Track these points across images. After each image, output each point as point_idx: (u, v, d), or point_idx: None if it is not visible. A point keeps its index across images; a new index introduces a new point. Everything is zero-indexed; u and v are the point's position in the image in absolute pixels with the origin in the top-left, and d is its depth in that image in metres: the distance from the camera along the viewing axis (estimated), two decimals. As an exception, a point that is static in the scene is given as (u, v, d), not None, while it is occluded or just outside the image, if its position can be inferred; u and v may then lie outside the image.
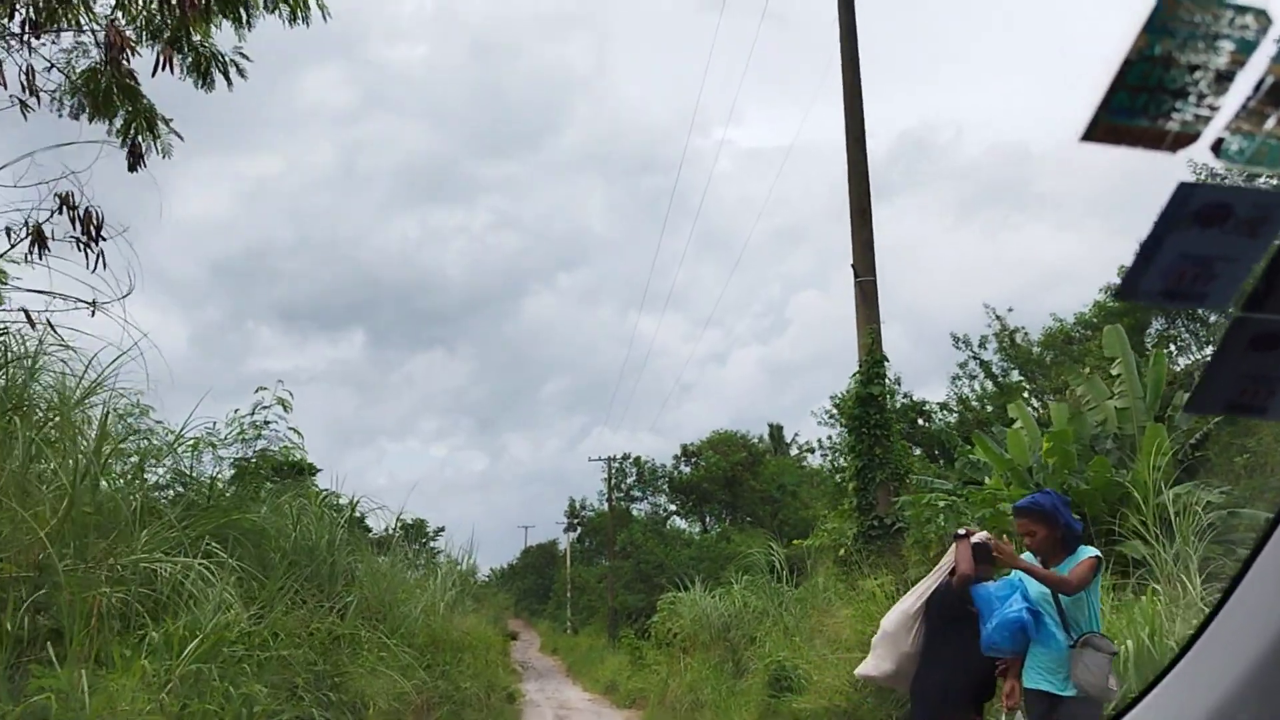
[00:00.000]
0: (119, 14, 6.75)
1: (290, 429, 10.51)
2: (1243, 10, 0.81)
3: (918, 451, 23.36)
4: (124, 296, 6.52)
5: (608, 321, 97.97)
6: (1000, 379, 29.40)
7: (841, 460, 34.47)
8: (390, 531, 14.75)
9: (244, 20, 7.11)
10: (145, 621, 5.75)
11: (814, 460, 42.00)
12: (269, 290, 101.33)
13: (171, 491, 9.35)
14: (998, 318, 29.52)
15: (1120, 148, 0.85)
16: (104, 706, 4.19)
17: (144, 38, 6.90)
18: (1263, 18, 0.82)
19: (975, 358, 30.23)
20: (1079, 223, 60.82)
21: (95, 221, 6.22)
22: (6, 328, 6.87)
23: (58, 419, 7.24)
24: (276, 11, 7.09)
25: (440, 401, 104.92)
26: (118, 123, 7.14)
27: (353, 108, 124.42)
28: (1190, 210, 0.89)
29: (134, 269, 6.41)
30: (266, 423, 10.26)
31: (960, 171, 74.64)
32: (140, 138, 7.13)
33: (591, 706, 21.60)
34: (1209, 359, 0.97)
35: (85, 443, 6.96)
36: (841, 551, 13.30)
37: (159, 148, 7.33)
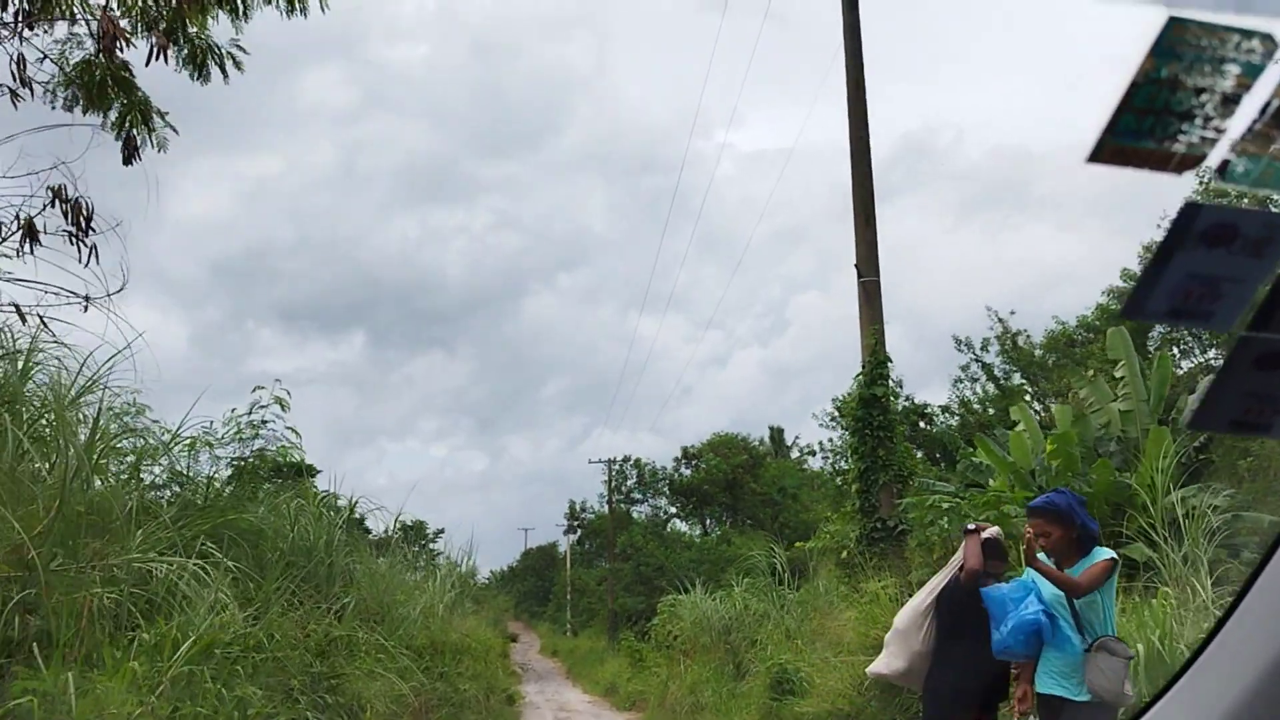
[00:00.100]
0: (113, 3, 6.65)
1: (288, 428, 10.42)
2: (1249, 34, 0.82)
3: (919, 455, 23.26)
4: (117, 291, 6.42)
5: (608, 322, 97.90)
6: (1002, 382, 29.33)
7: (843, 463, 34.49)
8: (389, 533, 14.67)
9: (240, 12, 7.03)
10: (138, 622, 5.65)
11: (815, 463, 41.99)
12: (269, 290, 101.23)
13: (168, 491, 9.26)
14: (999, 320, 29.47)
15: (1127, 169, 0.86)
16: (91, 709, 4.08)
17: (139, 29, 6.80)
18: (1269, 41, 0.82)
19: (977, 360, 30.17)
20: (1080, 224, 60.72)
21: (85, 212, 6.11)
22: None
23: (52, 417, 7.15)
24: (273, 2, 7.01)
25: (440, 402, 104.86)
26: (112, 116, 7.06)
27: (353, 108, 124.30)
28: (1196, 230, 0.89)
29: (126, 264, 6.31)
30: (264, 422, 10.17)
31: (961, 173, 74.49)
32: (135, 131, 7.03)
33: (591, 709, 21.50)
34: (1213, 377, 0.97)
35: (78, 441, 6.87)
36: (844, 554, 13.20)
37: (154, 141, 7.23)
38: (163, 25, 6.63)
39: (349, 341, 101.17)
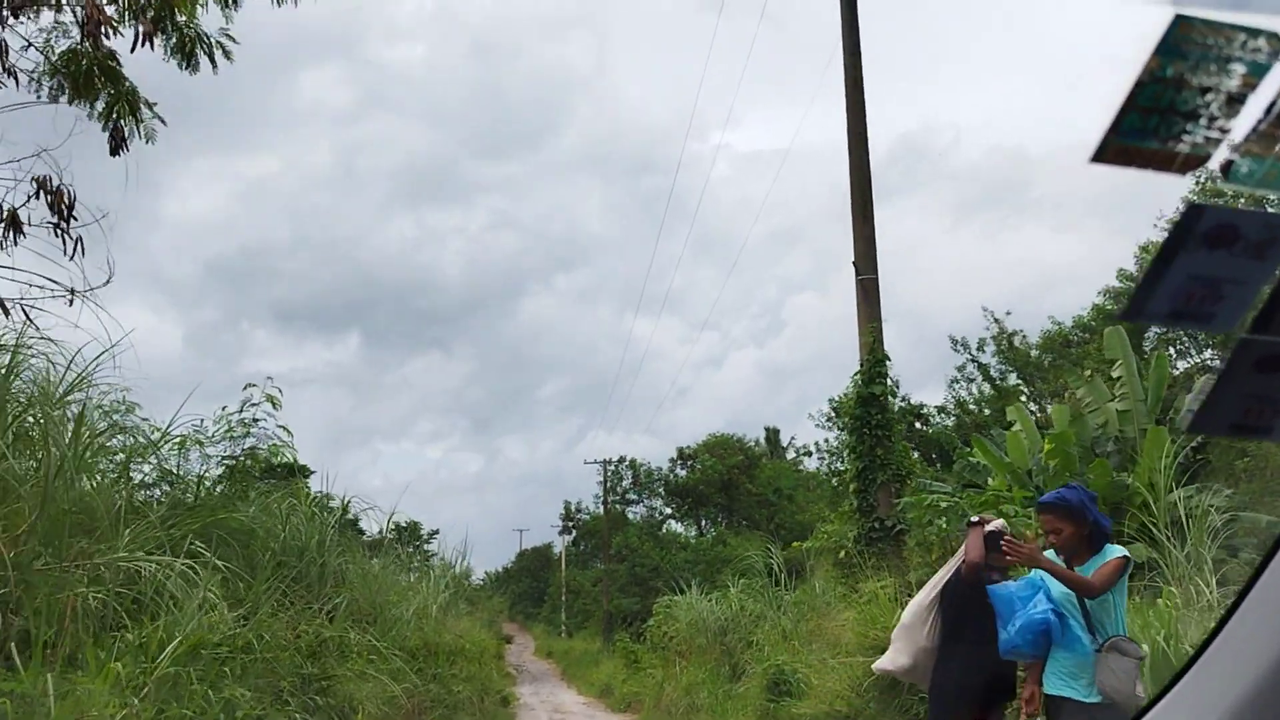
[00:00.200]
0: (100, -11, 6.51)
1: (280, 427, 10.31)
2: (1255, 33, 0.81)
3: (915, 455, 23.20)
4: (102, 285, 6.28)
5: (605, 323, 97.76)
6: (998, 382, 29.29)
7: (839, 463, 34.49)
8: (383, 534, 14.53)
9: (230, 0, 6.89)
10: (125, 623, 5.53)
11: (811, 464, 41.95)
12: (265, 290, 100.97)
13: (158, 490, 9.15)
14: (996, 320, 29.45)
15: (1131, 169, 0.86)
16: (71, 711, 3.96)
17: (126, 17, 6.67)
18: (1274, 41, 0.82)
19: (973, 360, 30.14)
20: (1077, 225, 60.73)
21: (67, 200, 5.97)
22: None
23: (39, 415, 7.02)
24: (264, -10, 6.88)
25: (436, 402, 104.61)
26: (100, 106, 6.92)
27: (351, 108, 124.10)
28: (1199, 231, 0.89)
29: (112, 257, 6.17)
30: (255, 420, 10.06)
31: (959, 173, 74.52)
32: (123, 121, 6.90)
33: (586, 710, 21.37)
34: (1214, 379, 0.97)
35: (64, 438, 6.74)
36: (842, 554, 13.09)
37: (142, 132, 7.10)
38: (150, 13, 6.51)
39: (345, 342, 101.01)
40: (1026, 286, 53.54)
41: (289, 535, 9.39)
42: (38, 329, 6.48)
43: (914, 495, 12.24)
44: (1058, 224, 62.08)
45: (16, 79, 6.49)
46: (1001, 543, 4.74)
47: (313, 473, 14.64)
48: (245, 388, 10.11)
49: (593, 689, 25.88)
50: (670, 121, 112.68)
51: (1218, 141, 0.84)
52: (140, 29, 6.32)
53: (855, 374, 13.65)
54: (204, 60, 7.08)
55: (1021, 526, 8.32)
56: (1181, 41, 0.81)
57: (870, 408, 13.29)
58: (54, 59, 6.76)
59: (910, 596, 9.68)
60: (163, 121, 7.11)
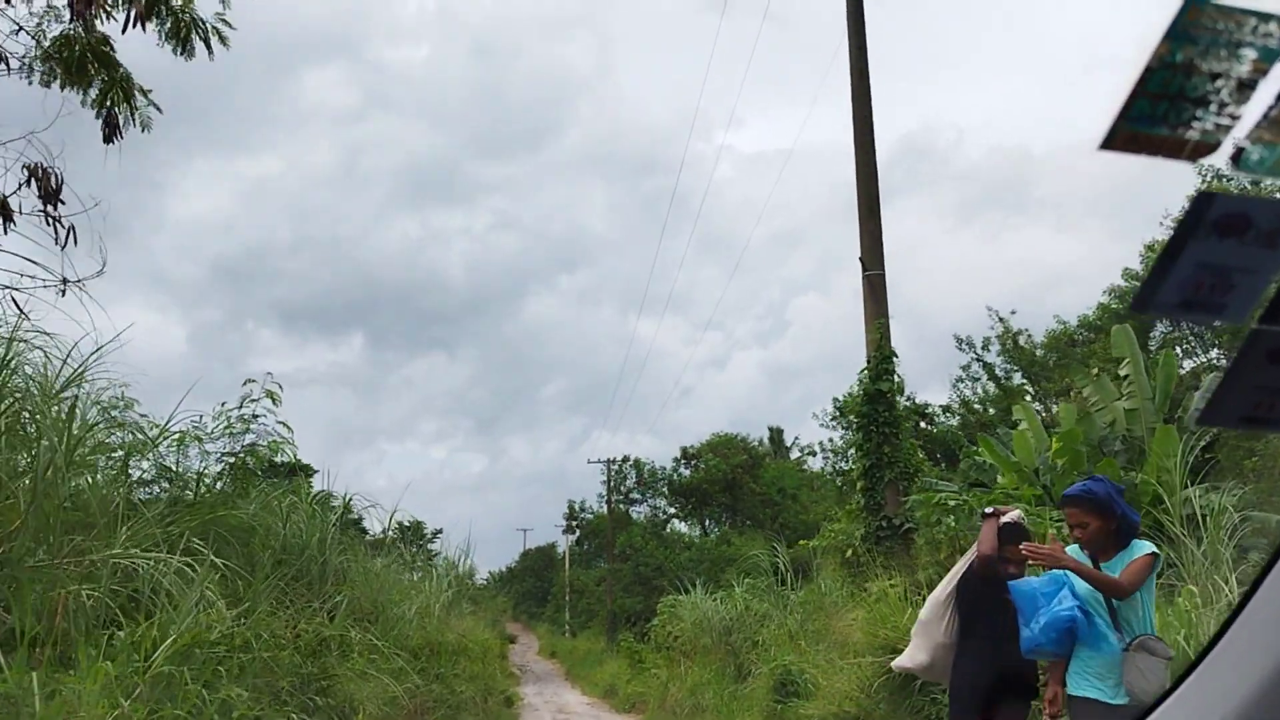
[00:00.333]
0: (93, -29, 6.35)
1: (280, 423, 10.17)
2: (1266, 18, 0.80)
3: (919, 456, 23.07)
4: (95, 275, 6.15)
5: (608, 323, 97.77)
6: (1003, 381, 29.16)
7: (844, 463, 34.36)
8: (386, 533, 14.40)
9: (227, -17, 6.74)
10: (120, 621, 5.41)
11: (815, 464, 41.80)
12: (269, 291, 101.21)
13: (157, 487, 9.03)
14: (1000, 319, 29.33)
15: (1139, 156, 0.84)
16: (58, 712, 3.82)
17: (119, 1, 6.52)
18: None
19: (978, 359, 30.02)
20: (1080, 225, 60.62)
21: (53, 183, 5.83)
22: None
23: (35, 409, 6.90)
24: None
25: (440, 403, 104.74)
26: (93, 93, 6.78)
27: (354, 108, 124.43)
28: (1208, 220, 0.87)
29: (104, 246, 6.02)
30: (255, 417, 9.92)
31: (961, 174, 74.44)
32: (117, 109, 6.76)
33: (590, 710, 21.25)
34: (1225, 371, 0.95)
35: (63, 433, 6.61)
36: (849, 553, 12.94)
37: (137, 120, 6.96)
38: (144, -1, 6.37)
39: (348, 342, 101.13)
40: (1027, 287, 53.48)
41: (290, 533, 9.28)
42: (29, 319, 6.33)
43: (922, 494, 12.10)
44: (1059, 224, 62.00)
45: (8, 64, 6.35)
46: (1023, 548, 4.54)
47: (316, 472, 14.56)
48: (245, 383, 9.99)
49: (597, 689, 25.77)
50: (672, 122, 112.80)
51: (1228, 128, 0.83)
52: (133, 10, 6.18)
53: (862, 370, 13.50)
54: (202, 56, 6.94)
55: (1042, 526, 8.16)
56: (1191, 26, 0.79)
57: (877, 404, 13.13)
58: (46, 44, 6.62)
59: (920, 596, 9.56)
60: (158, 109, 6.99)
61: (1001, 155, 75.24)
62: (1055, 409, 19.94)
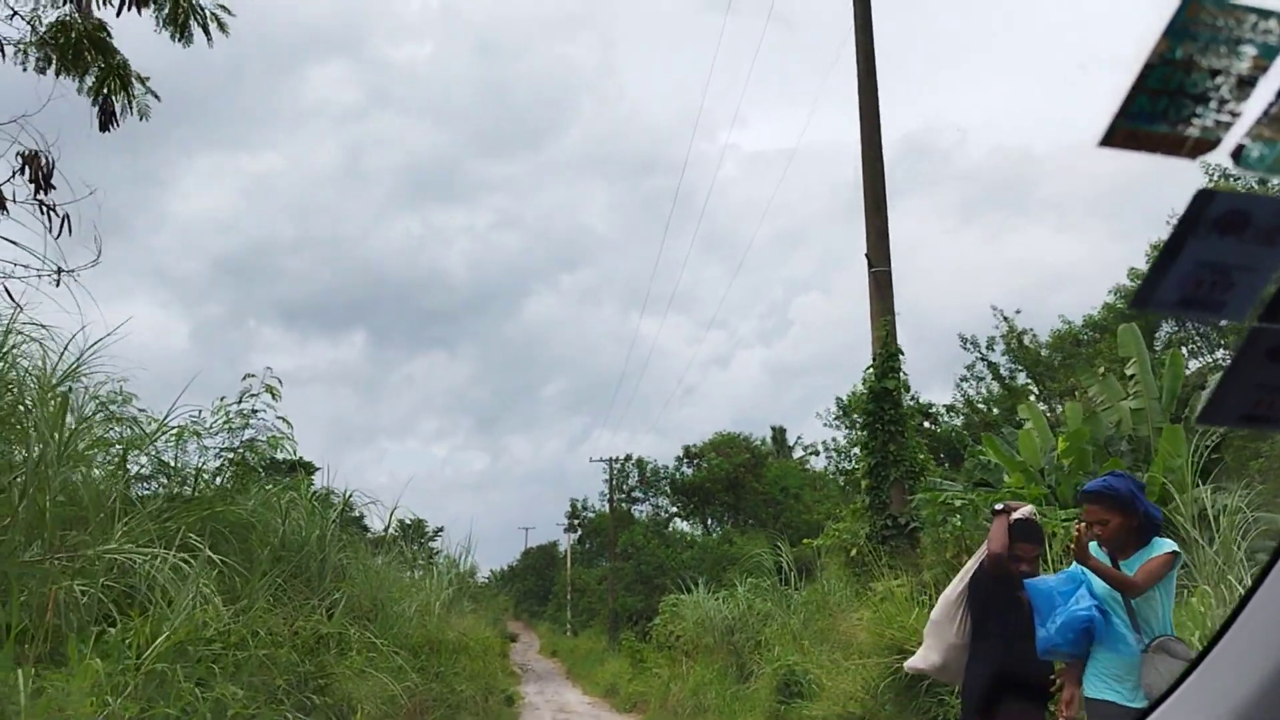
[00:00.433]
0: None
1: (279, 418, 10.07)
2: (1266, 14, 0.80)
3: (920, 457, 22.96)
4: (91, 264, 6.03)
5: (610, 322, 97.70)
6: (1007, 381, 29.05)
7: (847, 463, 34.25)
8: (387, 530, 14.29)
9: (226, -31, 6.62)
10: (115, 618, 5.31)
11: (818, 463, 41.70)
12: (271, 288, 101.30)
13: (155, 483, 8.94)
14: (1005, 319, 29.22)
15: (1139, 153, 0.84)
16: (45, 710, 3.71)
17: (116, -17, 6.41)
18: None
19: (983, 359, 29.89)
20: (1081, 225, 60.50)
21: (45, 167, 5.71)
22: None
23: (31, 402, 6.80)
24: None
25: (441, 401, 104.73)
26: (89, 81, 6.66)
27: (357, 106, 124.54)
28: (1209, 218, 0.88)
29: (99, 234, 5.90)
30: (254, 411, 9.82)
31: (962, 174, 74.29)
32: (114, 97, 6.64)
33: (591, 710, 21.16)
34: (1224, 369, 0.95)
35: (60, 427, 6.50)
36: (853, 552, 12.81)
37: (135, 108, 6.85)
38: (142, -18, 6.26)
39: (350, 340, 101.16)
40: (1029, 287, 53.40)
41: (289, 529, 9.17)
42: (19, 307, 6.21)
43: (927, 492, 11.99)
44: (1060, 224, 61.86)
45: (2, 51, 6.24)
46: (1037, 524, 4.37)
47: (317, 469, 14.46)
48: (244, 378, 9.90)
49: (598, 688, 25.68)
50: (675, 121, 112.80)
51: (1228, 125, 0.82)
52: (126, -9, 6.06)
53: (867, 368, 13.37)
54: (202, 46, 6.82)
55: (1050, 526, 8.04)
56: (1191, 23, 0.79)
57: (883, 402, 13.00)
58: (41, 30, 6.50)
59: (926, 595, 9.44)
60: (156, 97, 6.87)
61: (1003, 155, 75.15)
62: (1060, 409, 19.85)
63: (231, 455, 9.74)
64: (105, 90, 6.53)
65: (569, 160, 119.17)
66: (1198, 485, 8.39)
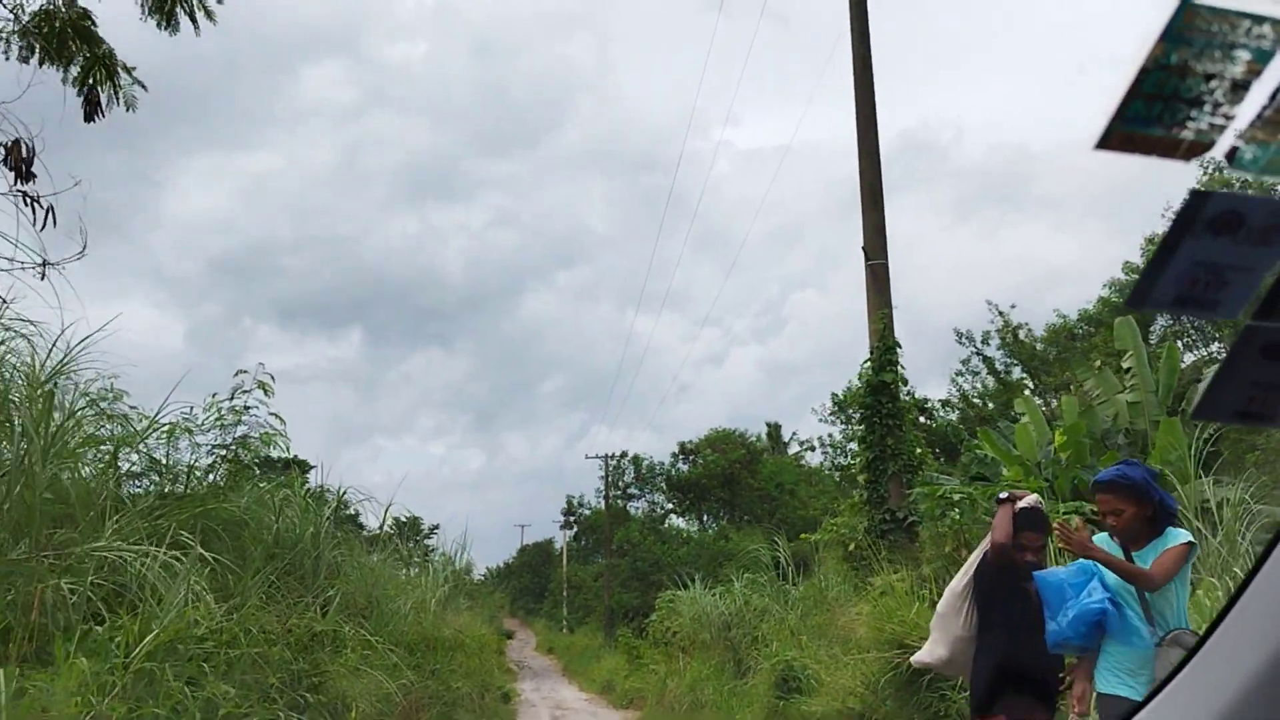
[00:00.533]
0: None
1: (271, 414, 9.95)
2: (1260, 20, 0.81)
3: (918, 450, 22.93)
4: (77, 257, 5.91)
5: (606, 320, 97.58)
6: (1002, 375, 29.04)
7: (843, 458, 34.20)
8: (382, 527, 14.19)
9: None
10: (104, 616, 5.20)
11: (813, 459, 41.66)
12: (267, 287, 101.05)
13: (146, 480, 8.83)
14: (1000, 314, 29.20)
15: (1134, 156, 0.85)
16: (27, 711, 3.61)
17: (100, -29, 6.27)
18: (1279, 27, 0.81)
19: (978, 353, 29.87)
20: (1078, 223, 60.53)
21: (25, 155, 5.57)
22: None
23: (20, 398, 6.69)
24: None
25: (438, 399, 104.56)
26: (74, 71, 6.53)
27: (354, 105, 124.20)
28: (1203, 218, 0.89)
29: (85, 225, 5.77)
30: (246, 408, 9.70)
31: (959, 171, 74.27)
32: (99, 87, 6.51)
33: (588, 706, 21.09)
34: (1219, 367, 0.97)
35: (44, 423, 6.39)
36: (851, 546, 12.74)
37: (120, 99, 6.72)
38: (128, -31, 6.13)
39: (347, 338, 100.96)
40: (1024, 284, 53.43)
41: (282, 527, 9.07)
42: (8, 304, 6.09)
43: (924, 487, 11.92)
44: (1057, 222, 61.92)
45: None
46: (1057, 529, 4.25)
47: (313, 467, 14.35)
48: (236, 374, 9.78)
49: (594, 685, 25.62)
50: (671, 120, 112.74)
51: (1222, 128, 0.83)
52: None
53: (865, 361, 13.30)
54: (197, 43, 6.71)
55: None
56: (1187, 28, 0.80)
57: (881, 396, 12.93)
58: (25, 19, 6.37)
59: (925, 589, 9.37)
60: (143, 87, 6.73)
61: (999, 153, 75.15)
62: (1055, 403, 19.81)
63: (224, 452, 9.62)
64: (91, 80, 6.41)
65: (566, 158, 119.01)
66: (1200, 477, 8.32)
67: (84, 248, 5.86)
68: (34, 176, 5.61)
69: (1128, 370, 13.50)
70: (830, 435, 38.69)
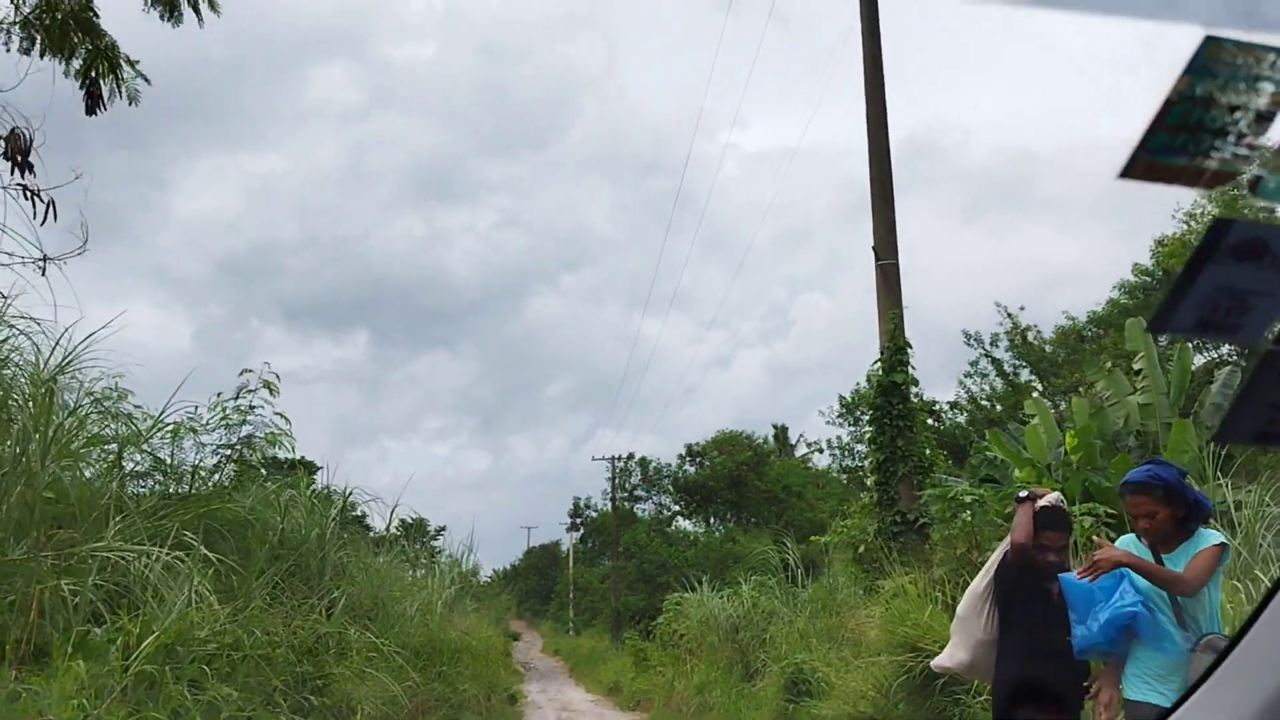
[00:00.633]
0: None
1: (277, 414, 9.88)
2: None
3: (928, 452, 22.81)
4: (78, 251, 5.83)
5: (612, 322, 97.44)
6: (1011, 377, 28.91)
7: (850, 460, 34.07)
8: (388, 528, 14.11)
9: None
10: (105, 618, 5.12)
11: (821, 461, 41.53)
12: (273, 288, 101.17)
13: (150, 480, 8.76)
14: (1009, 315, 29.07)
15: (1158, 184, 0.86)
16: (22, 714, 3.52)
17: (103, -36, 6.19)
18: None
19: (987, 355, 29.74)
20: (1083, 226, 60.32)
21: (23, 145, 5.48)
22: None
23: (22, 398, 6.61)
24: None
25: (443, 401, 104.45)
26: (76, 63, 6.45)
27: (360, 106, 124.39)
28: (1226, 245, 0.90)
29: (85, 219, 5.69)
30: (251, 408, 9.63)
31: (964, 173, 74.04)
32: (102, 80, 6.44)
33: (594, 708, 20.99)
34: (1240, 390, 0.98)
35: (33, 423, 6.31)
36: (861, 548, 12.62)
37: (123, 92, 6.64)
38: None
39: (353, 340, 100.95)
40: (1029, 287, 53.30)
41: (288, 528, 8.99)
42: (9, 300, 6.01)
43: (935, 489, 11.80)
44: (1063, 225, 61.69)
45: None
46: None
47: (319, 468, 14.30)
48: (241, 373, 9.71)
49: (601, 687, 25.53)
50: (677, 122, 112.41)
51: (1246, 158, 0.84)
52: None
53: (875, 362, 13.18)
54: (201, 38, 6.63)
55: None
56: (1212, 62, 0.81)
57: (891, 397, 12.80)
58: (25, 9, 6.28)
59: (938, 592, 9.25)
60: (146, 80, 6.65)
61: (1005, 155, 74.80)
62: (1065, 405, 19.67)
63: (229, 452, 9.55)
64: (93, 73, 6.33)
65: (572, 160, 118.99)
66: (1218, 478, 8.19)
67: (85, 243, 5.78)
68: (31, 167, 5.53)
69: (1138, 372, 13.35)
70: (838, 438, 38.61)
